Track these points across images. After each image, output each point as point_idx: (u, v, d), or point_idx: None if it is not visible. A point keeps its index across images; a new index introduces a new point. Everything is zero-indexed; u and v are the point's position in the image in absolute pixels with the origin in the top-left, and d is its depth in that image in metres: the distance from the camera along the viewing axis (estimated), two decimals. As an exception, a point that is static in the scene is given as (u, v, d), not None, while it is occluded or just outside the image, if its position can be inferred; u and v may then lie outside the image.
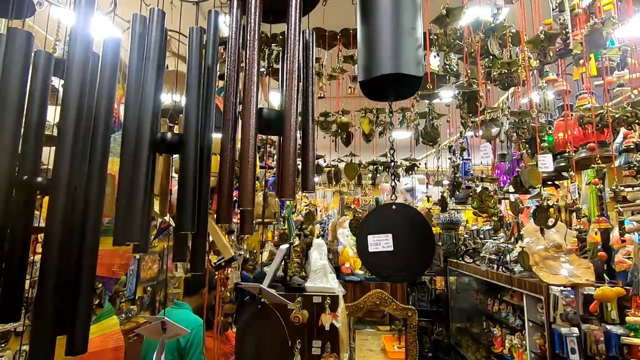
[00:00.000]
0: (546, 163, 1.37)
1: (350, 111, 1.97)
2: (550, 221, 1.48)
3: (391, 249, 0.87)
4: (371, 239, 0.87)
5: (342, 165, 2.20)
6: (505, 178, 2.45)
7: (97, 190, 0.91)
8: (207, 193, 0.93)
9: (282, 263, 2.64)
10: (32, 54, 0.90)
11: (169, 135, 0.89)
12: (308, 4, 1.00)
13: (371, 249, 0.87)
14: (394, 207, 0.89)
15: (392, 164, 1.01)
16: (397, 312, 2.71)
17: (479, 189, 1.49)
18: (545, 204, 1.40)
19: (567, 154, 1.46)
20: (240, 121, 0.86)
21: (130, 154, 0.85)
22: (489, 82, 1.35)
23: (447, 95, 1.70)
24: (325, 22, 1.68)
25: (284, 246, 2.58)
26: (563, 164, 1.80)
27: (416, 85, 0.92)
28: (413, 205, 5.51)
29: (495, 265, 3.76)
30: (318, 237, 2.91)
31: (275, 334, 1.33)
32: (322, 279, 2.48)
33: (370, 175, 2.24)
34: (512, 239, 4.08)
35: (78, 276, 0.87)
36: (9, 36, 0.82)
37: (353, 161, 1.91)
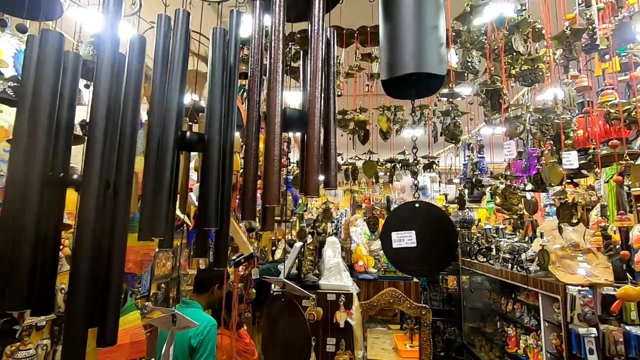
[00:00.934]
0: (571, 160, 1.34)
1: (368, 109, 1.97)
2: (575, 219, 1.45)
3: (414, 244, 0.87)
4: (395, 235, 0.88)
5: (359, 163, 2.20)
6: (522, 175, 2.42)
7: (125, 188, 0.93)
8: (230, 190, 0.94)
9: (296, 260, 2.66)
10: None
11: (192, 133, 0.91)
12: (330, 2, 1.01)
13: (395, 244, 0.88)
14: (417, 205, 0.89)
15: (415, 162, 1.01)
16: (410, 310, 2.71)
17: (502, 187, 1.47)
18: (569, 201, 1.37)
19: (592, 151, 1.43)
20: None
21: (155, 151, 0.87)
22: (511, 79, 1.33)
23: (465, 92, 1.68)
24: (342, 20, 1.68)
25: (298, 244, 2.60)
26: (583, 161, 1.77)
27: (438, 84, 0.92)
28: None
29: (510, 265, 3.72)
30: (331, 235, 2.93)
31: (299, 329, 1.34)
32: (336, 277, 2.49)
33: (386, 173, 2.24)
34: (527, 238, 4.03)
35: (108, 271, 0.90)
36: (42, 37, 0.84)
37: (371, 159, 1.90)
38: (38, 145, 0.81)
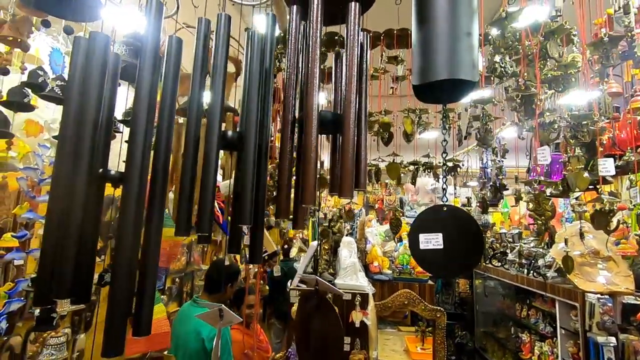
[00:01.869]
0: (607, 167, 1.33)
1: (393, 111, 1.98)
2: (612, 225, 1.44)
3: (441, 247, 0.89)
4: (422, 237, 0.89)
5: (381, 165, 2.21)
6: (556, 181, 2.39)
7: (161, 184, 0.96)
8: (265, 188, 0.97)
9: (312, 260, 2.69)
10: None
11: (230, 133, 0.94)
12: (363, 6, 1.02)
13: (422, 246, 0.89)
14: (444, 209, 0.90)
15: (445, 166, 1.02)
16: (425, 312, 2.71)
17: (523, 190, 1.46)
18: (606, 208, 1.35)
19: (626, 157, 1.41)
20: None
21: (194, 150, 0.91)
22: (545, 84, 1.33)
23: (486, 94, 1.68)
24: (368, 22, 1.69)
25: (315, 243, 2.62)
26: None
27: (470, 89, 0.93)
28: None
29: (526, 270, 3.68)
30: (346, 235, 2.94)
31: (332, 327, 1.37)
32: (351, 277, 2.51)
33: (407, 174, 2.24)
34: (543, 243, 3.97)
35: (144, 263, 0.93)
36: (90, 38, 0.88)
37: (395, 161, 1.91)
38: (85, 144, 0.85)
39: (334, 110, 1.04)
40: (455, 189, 4.70)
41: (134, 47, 1.52)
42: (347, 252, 2.61)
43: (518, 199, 1.85)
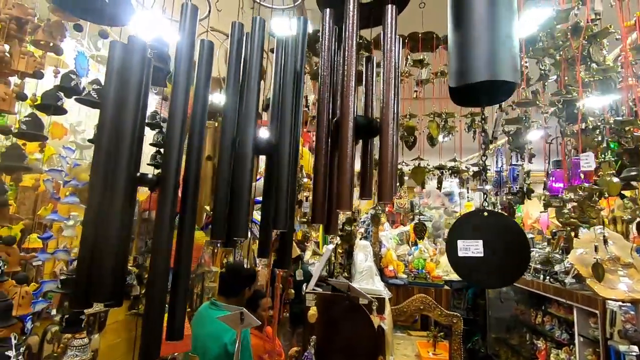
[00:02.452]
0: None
1: (417, 115, 1.97)
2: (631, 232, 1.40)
3: (481, 254, 0.87)
4: (461, 243, 0.88)
5: (405, 168, 2.19)
6: (563, 185, 2.35)
7: (193, 187, 0.96)
8: (295, 192, 0.96)
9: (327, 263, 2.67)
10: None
11: (263, 137, 0.94)
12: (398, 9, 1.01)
13: (460, 253, 0.87)
14: (485, 214, 0.89)
15: (483, 171, 1.01)
16: (441, 318, 2.67)
17: (542, 195, 1.42)
18: (626, 217, 1.32)
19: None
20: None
21: (229, 154, 0.90)
22: (587, 89, 1.30)
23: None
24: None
25: (330, 246, 2.61)
26: (634, 173, 1.71)
27: (511, 91, 0.91)
28: (451, 209, 5.39)
29: (542, 276, 3.62)
30: (361, 238, 2.93)
31: (365, 332, 1.35)
32: (367, 281, 2.49)
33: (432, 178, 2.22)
34: (557, 249, 3.91)
35: (177, 268, 0.93)
36: (129, 43, 0.88)
37: (420, 165, 1.90)
38: (124, 147, 0.85)
39: (364, 114, 1.03)
40: (468, 192, 4.65)
41: (159, 51, 1.53)
42: (363, 255, 2.60)
43: (547, 205, 1.82)
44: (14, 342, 0.96)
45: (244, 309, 1.22)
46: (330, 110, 0.94)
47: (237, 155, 0.86)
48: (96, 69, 1.91)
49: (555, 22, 1.27)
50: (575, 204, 1.46)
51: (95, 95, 1.12)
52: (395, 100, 0.96)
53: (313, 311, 2.37)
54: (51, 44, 1.17)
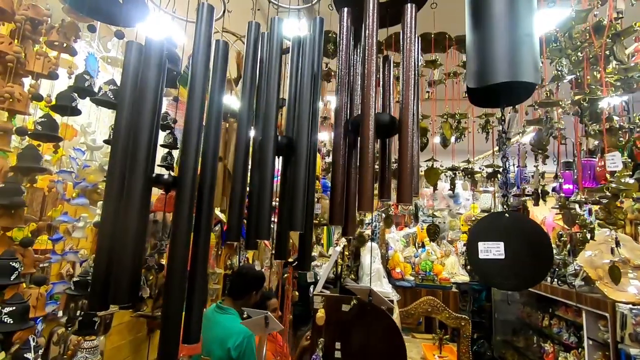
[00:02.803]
0: None
1: (430, 116, 1.96)
2: None
3: (502, 256, 0.86)
4: (481, 245, 0.86)
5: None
6: (573, 187, 2.33)
7: (209, 188, 0.95)
8: (314, 194, 0.95)
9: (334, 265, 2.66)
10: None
11: (279, 137, 0.92)
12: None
13: (481, 255, 0.86)
14: (506, 215, 0.87)
15: (504, 172, 1.00)
16: (449, 320, 2.65)
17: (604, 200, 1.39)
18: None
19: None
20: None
21: (245, 156, 0.90)
22: (611, 88, 1.29)
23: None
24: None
25: (338, 248, 2.60)
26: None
27: (531, 91, 0.90)
28: (456, 211, 5.36)
29: (549, 278, 3.59)
30: (368, 240, 2.91)
31: (390, 337, 1.34)
32: (375, 283, 2.48)
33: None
34: (565, 251, 3.88)
35: (193, 271, 0.92)
36: (146, 44, 0.88)
37: (434, 166, 1.88)
38: (142, 148, 0.84)
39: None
40: (472, 194, 4.63)
41: (169, 52, 1.53)
42: (371, 257, 2.58)
43: (563, 207, 1.80)
44: (32, 344, 0.96)
45: (269, 313, 1.21)
46: (348, 110, 0.93)
47: (259, 158, 0.85)
48: (106, 70, 1.91)
49: (573, 23, 1.26)
50: (591, 205, 1.43)
51: (112, 96, 1.12)
52: (415, 99, 0.95)
53: (321, 314, 2.36)
54: (65, 45, 1.17)
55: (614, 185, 1.17)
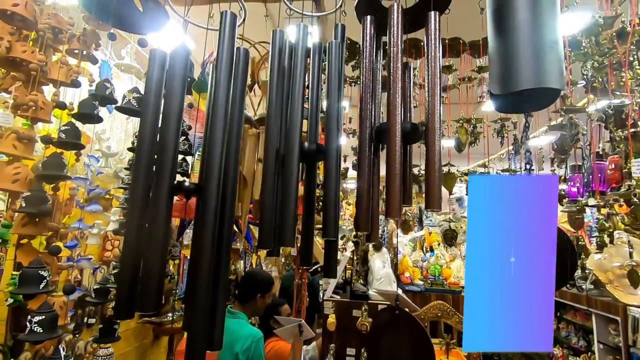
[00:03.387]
0: None
1: (446, 120, 1.97)
2: None
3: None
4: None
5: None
6: (583, 190, 2.32)
7: (231, 194, 0.95)
8: (339, 200, 0.95)
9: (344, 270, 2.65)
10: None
11: (307, 144, 0.92)
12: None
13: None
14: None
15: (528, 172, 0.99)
16: (460, 325, 2.64)
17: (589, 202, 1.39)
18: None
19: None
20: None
21: (274, 162, 0.90)
22: (635, 94, 1.28)
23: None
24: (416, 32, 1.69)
25: (347, 253, 2.59)
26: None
27: (555, 97, 0.90)
28: (460, 214, 5.35)
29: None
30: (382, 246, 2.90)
31: (411, 341, 1.33)
32: (385, 287, 2.46)
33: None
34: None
35: (217, 277, 0.92)
36: (173, 52, 0.88)
37: (450, 170, 1.89)
38: (168, 156, 0.84)
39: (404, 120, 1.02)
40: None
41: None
42: (381, 262, 2.57)
43: (581, 211, 1.80)
44: (62, 353, 0.95)
45: (302, 320, 1.20)
46: (373, 117, 0.94)
47: (284, 165, 0.85)
48: (118, 77, 1.92)
49: (600, 29, 1.27)
50: (608, 209, 1.44)
51: (136, 104, 1.12)
52: (440, 106, 0.95)
53: (332, 319, 2.35)
54: (85, 53, 1.18)
55: (640, 190, 1.16)
